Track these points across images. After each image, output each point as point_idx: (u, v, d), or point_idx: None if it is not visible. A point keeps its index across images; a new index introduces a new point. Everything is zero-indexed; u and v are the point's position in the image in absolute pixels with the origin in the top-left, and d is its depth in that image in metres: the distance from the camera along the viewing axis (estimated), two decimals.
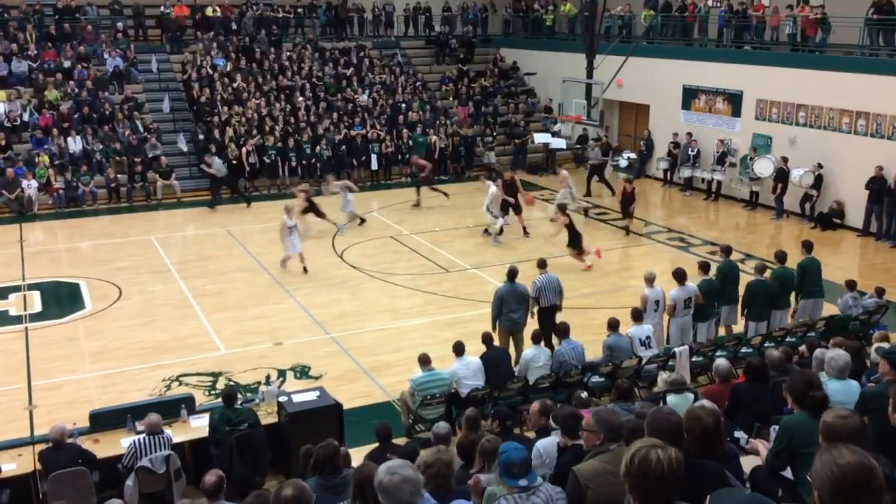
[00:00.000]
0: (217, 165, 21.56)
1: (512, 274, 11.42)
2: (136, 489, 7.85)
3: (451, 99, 28.29)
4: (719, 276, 11.82)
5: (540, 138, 25.66)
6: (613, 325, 10.38)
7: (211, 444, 8.35)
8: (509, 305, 11.19)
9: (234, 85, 25.67)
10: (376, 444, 7.72)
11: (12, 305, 14.39)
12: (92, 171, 21.98)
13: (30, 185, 20.97)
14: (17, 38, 25.10)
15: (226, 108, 24.62)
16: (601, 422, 4.84)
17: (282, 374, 11.43)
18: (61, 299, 14.77)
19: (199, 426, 8.72)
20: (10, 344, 12.74)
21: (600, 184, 22.48)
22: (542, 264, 11.94)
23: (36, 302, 14.56)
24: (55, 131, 22.56)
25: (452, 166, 25.26)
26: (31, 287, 15.23)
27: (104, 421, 8.66)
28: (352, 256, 17.15)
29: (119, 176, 22.21)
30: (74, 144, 22.52)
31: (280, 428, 8.80)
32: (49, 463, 7.76)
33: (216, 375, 11.39)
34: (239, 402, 8.79)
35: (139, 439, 8.00)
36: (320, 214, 18.32)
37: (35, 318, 13.85)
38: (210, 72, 25.99)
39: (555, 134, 25.62)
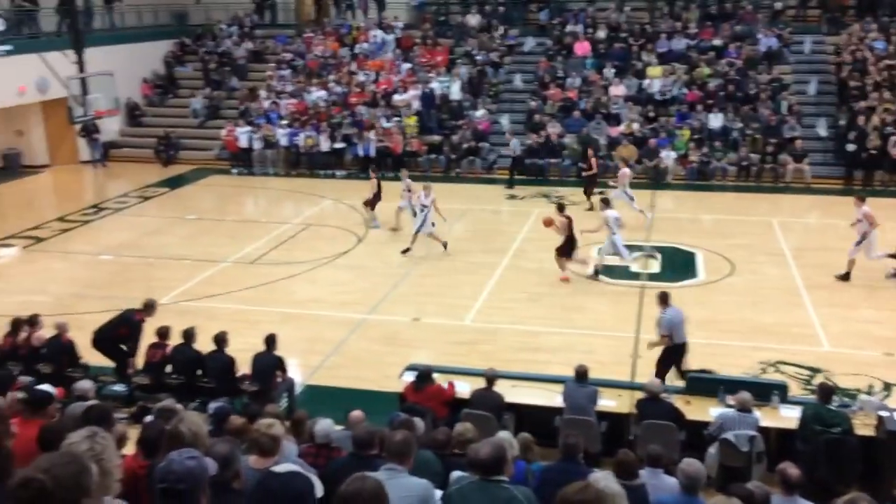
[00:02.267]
0: None
1: None
2: (717, 459, 8.11)
3: None
4: None
5: None
6: None
7: (798, 439, 8.12)
8: None
9: (890, 70, 23.46)
10: None
11: (635, 263, 15.77)
12: (727, 148, 22.67)
13: (668, 156, 22.62)
14: (680, 17, 27.08)
15: (876, 95, 22.74)
16: None
17: (888, 387, 10.40)
18: (677, 265, 15.74)
19: (788, 416, 8.55)
20: (628, 297, 14.15)
21: None
22: (664, 299, 10.20)
23: (655, 264, 15.83)
24: (699, 107, 23.80)
25: None
26: (654, 249, 16.56)
27: (699, 386, 9.11)
28: None
29: (751, 155, 22.44)
30: (715, 121, 23.47)
31: (876, 443, 8.12)
32: (644, 411, 8.50)
33: (815, 371, 10.96)
34: (834, 404, 8.36)
35: (728, 413, 8.22)
36: None
37: (651, 278, 15.08)
38: (866, 55, 24.22)
39: None
